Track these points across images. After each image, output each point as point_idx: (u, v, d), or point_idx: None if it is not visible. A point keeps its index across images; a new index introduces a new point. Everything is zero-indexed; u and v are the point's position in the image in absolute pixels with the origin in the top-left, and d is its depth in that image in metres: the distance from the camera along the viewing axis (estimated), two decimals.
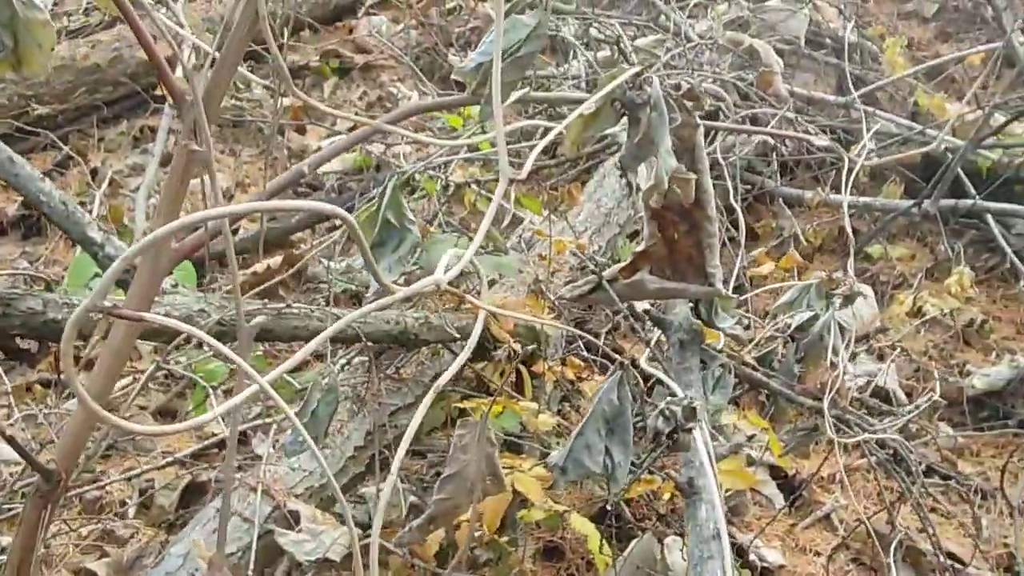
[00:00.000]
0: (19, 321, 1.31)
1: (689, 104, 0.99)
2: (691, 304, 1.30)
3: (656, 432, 1.13)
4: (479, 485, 1.24)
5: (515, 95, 0.91)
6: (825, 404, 1.63)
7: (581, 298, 1.33)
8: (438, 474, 2.44)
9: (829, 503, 2.34)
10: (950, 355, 2.88)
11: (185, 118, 0.89)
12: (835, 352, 1.57)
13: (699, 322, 1.27)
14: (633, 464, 1.35)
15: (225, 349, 0.80)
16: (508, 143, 0.95)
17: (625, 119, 0.98)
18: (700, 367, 1.31)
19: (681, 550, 1.87)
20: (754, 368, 1.67)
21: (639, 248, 1.16)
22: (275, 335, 1.70)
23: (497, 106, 0.85)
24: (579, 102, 0.99)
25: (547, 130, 1.00)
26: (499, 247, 2.32)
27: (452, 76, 1.02)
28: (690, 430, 1.11)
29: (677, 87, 1.02)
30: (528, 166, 0.94)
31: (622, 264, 1.18)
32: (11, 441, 0.90)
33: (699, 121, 1.03)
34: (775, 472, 2.40)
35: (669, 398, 1.15)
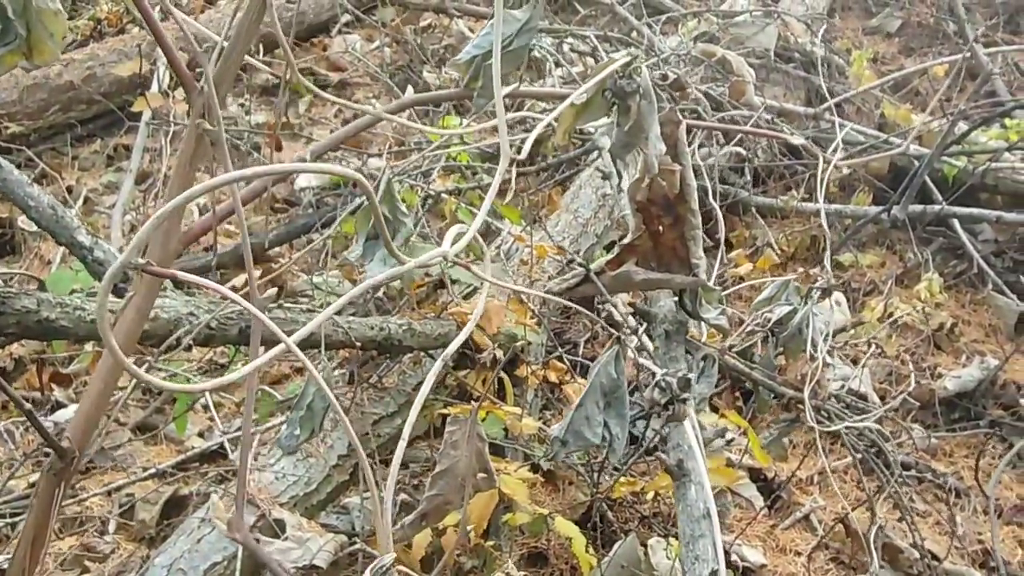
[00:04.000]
0: (14, 320, 1.31)
1: (676, 93, 1.03)
2: (676, 296, 1.33)
3: (653, 403, 1.16)
4: (470, 481, 1.26)
5: (507, 89, 0.94)
6: (806, 394, 1.67)
7: (569, 291, 1.36)
8: (417, 485, 2.46)
9: (808, 504, 2.38)
10: (921, 359, 2.94)
11: (194, 104, 0.91)
12: (814, 345, 1.61)
13: (684, 313, 1.30)
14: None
15: (247, 304, 0.81)
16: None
17: (614, 109, 1.01)
18: (685, 357, 1.34)
19: (665, 550, 1.89)
20: (737, 359, 1.70)
21: (624, 241, 1.19)
22: (261, 338, 1.70)
23: (497, 88, 0.88)
24: (568, 97, 1.02)
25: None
26: (479, 255, 2.34)
27: (446, 68, 1.04)
28: (685, 400, 1.14)
29: (664, 77, 1.06)
30: (528, 146, 0.96)
31: (608, 257, 1.21)
32: (30, 416, 0.91)
33: (681, 118, 1.07)
34: (755, 475, 2.43)
35: (665, 370, 1.18)
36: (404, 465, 2.50)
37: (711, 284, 1.22)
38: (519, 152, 0.96)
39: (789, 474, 2.35)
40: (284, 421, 2.27)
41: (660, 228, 1.15)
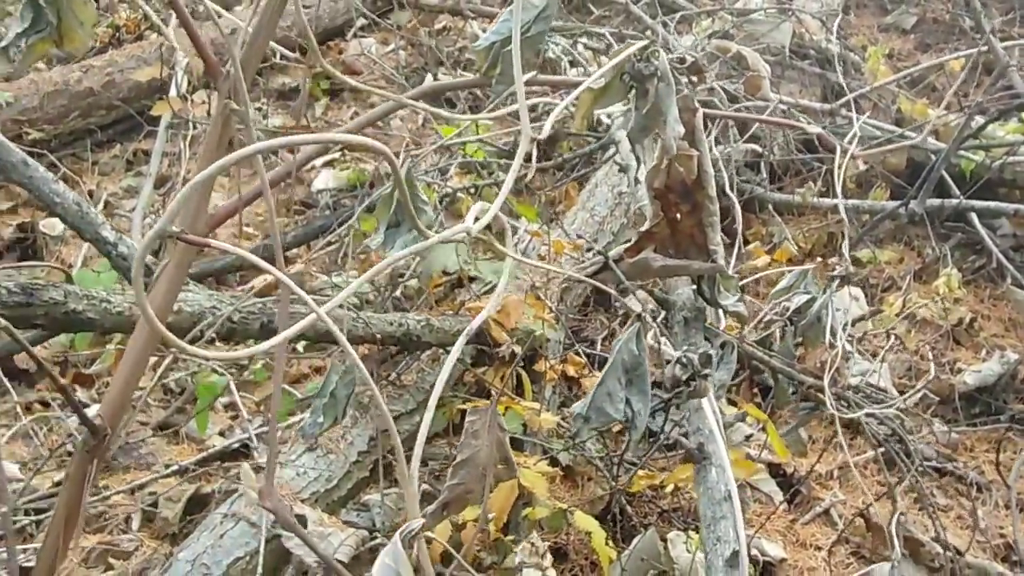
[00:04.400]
0: (42, 311, 1.33)
1: (694, 78, 1.03)
2: (694, 284, 1.33)
3: (675, 380, 1.17)
4: (491, 470, 1.27)
5: (524, 76, 0.95)
6: (826, 381, 1.67)
7: (589, 278, 1.37)
8: (438, 477, 2.47)
9: (828, 499, 2.37)
10: (941, 354, 2.93)
11: (221, 88, 0.93)
12: (833, 334, 1.61)
13: (702, 300, 1.31)
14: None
15: (276, 271, 0.82)
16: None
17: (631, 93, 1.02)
18: (704, 344, 1.35)
19: (685, 543, 1.89)
20: (755, 348, 1.71)
21: (642, 228, 1.20)
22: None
23: (517, 68, 0.89)
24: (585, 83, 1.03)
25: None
26: (497, 253, 2.34)
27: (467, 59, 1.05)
28: (706, 376, 1.15)
29: (682, 60, 1.07)
30: (548, 126, 0.98)
31: (627, 244, 1.22)
32: (64, 391, 0.92)
33: (698, 105, 1.08)
34: (774, 470, 2.43)
35: (686, 347, 1.19)
36: (424, 462, 2.51)
37: (729, 271, 1.23)
38: (539, 133, 0.97)
39: (808, 468, 2.34)
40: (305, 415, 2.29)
41: (678, 215, 1.16)
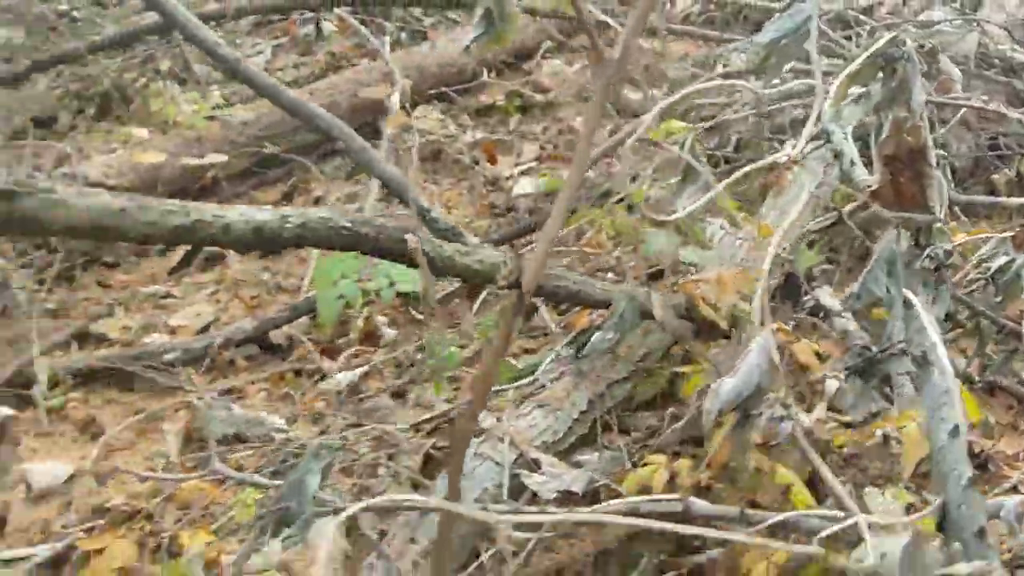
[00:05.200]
0: (440, 264, 1.66)
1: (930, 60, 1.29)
2: (912, 240, 1.57)
3: (924, 269, 1.42)
4: None
5: (787, 65, 1.23)
6: None
7: (822, 231, 1.63)
8: (643, 447, 2.75)
9: (1016, 476, 2.50)
10: None
11: (601, 73, 1.27)
12: None
13: (919, 250, 1.54)
14: None
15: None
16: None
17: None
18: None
19: (881, 496, 2.08)
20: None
21: (872, 188, 1.46)
22: (555, 294, 2.04)
23: (813, 48, 1.18)
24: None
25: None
26: (700, 241, 2.62)
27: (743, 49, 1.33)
28: (949, 267, 1.39)
29: (921, 46, 1.32)
30: (826, 107, 1.26)
31: (856, 203, 1.49)
32: (515, 285, 1.21)
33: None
34: None
35: (936, 242, 1.44)
36: (626, 432, 2.80)
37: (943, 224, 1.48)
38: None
39: (994, 443, 2.48)
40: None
41: (902, 180, 1.41)
